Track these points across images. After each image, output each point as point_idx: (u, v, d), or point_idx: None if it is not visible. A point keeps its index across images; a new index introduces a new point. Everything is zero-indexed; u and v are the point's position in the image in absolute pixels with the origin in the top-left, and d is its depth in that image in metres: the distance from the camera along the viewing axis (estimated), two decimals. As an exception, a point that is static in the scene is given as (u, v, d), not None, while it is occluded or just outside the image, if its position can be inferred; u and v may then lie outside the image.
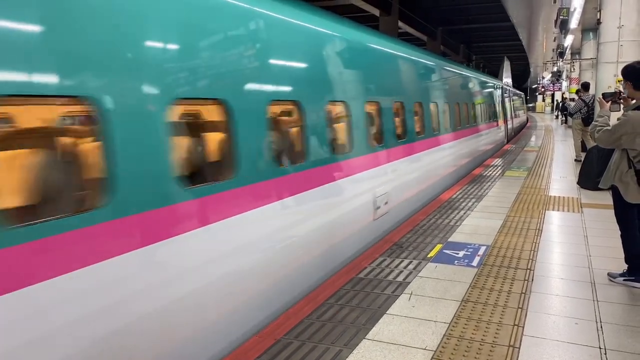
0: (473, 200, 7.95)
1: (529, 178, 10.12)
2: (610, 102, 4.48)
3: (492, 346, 3.24)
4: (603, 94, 4.55)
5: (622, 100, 4.41)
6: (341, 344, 3.29)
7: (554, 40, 26.70)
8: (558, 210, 7.20)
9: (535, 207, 7.38)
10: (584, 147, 12.59)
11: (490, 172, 11.04)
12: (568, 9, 14.88)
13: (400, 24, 22.20)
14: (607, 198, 7.85)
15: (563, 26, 16.00)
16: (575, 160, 12.57)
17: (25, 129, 2.76)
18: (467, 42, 36.78)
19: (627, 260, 4.36)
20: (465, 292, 4.16)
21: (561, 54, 24.10)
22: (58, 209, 2.39)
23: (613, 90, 4.88)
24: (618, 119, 4.19)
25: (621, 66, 11.04)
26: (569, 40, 20.75)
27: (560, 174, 10.67)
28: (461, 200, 7.98)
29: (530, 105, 64.52)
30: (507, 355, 3.12)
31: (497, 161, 13.11)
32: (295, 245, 4.21)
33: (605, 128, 4.24)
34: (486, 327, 3.50)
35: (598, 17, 11.56)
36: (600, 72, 11.72)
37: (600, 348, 3.22)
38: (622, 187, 4.17)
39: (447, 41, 30.76)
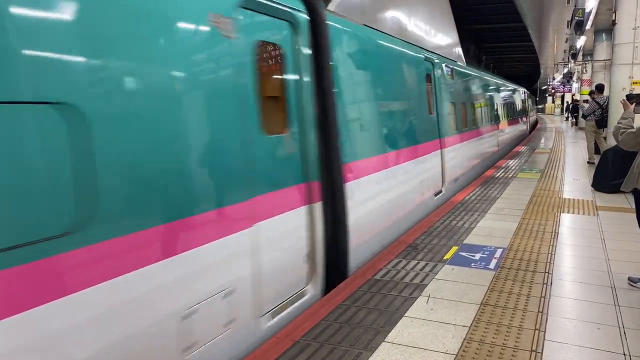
0: (486, 202, 7.88)
1: (542, 180, 10.02)
2: (634, 104, 4.41)
3: (514, 351, 3.19)
4: (627, 96, 4.49)
5: (646, 102, 4.35)
6: (360, 347, 3.25)
7: (566, 42, 26.49)
8: (573, 213, 7.11)
9: (549, 209, 7.29)
10: (596, 150, 12.49)
11: (503, 174, 10.95)
12: (584, 9, 14.74)
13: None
14: (622, 201, 7.79)
15: (578, 27, 15.83)
16: (588, 162, 12.46)
17: None
18: (478, 43, 36.56)
19: (648, 265, 4.28)
20: (483, 295, 4.10)
21: (574, 55, 23.81)
22: None
23: (630, 92, 4.82)
24: (642, 122, 4.12)
25: (636, 68, 10.92)
26: (581, 42, 20.40)
27: (573, 176, 10.56)
28: (475, 202, 7.91)
29: (540, 106, 64.27)
30: (530, 361, 3.07)
31: (510, 162, 13.00)
32: None
33: (630, 130, 4.16)
34: (507, 331, 3.45)
35: (613, 18, 11.44)
36: (615, 74, 11.59)
37: (624, 354, 3.16)
38: (645, 190, 4.10)
39: (457, 41, 30.61)
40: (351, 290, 4.22)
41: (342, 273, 4.53)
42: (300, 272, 4.02)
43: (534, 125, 30.09)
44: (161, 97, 2.66)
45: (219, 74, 3.10)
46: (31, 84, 2.07)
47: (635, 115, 4.38)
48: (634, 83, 10.91)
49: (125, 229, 2.44)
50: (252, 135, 3.37)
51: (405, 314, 3.74)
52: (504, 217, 6.87)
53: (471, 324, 3.56)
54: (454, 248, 5.41)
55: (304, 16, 4.02)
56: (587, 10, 14.73)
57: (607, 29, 17.79)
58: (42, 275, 2.07)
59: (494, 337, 3.36)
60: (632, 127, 4.22)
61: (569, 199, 8.10)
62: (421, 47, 7.43)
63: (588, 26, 16.80)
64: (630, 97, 4.48)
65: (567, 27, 21.92)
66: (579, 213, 7.11)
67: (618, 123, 4.38)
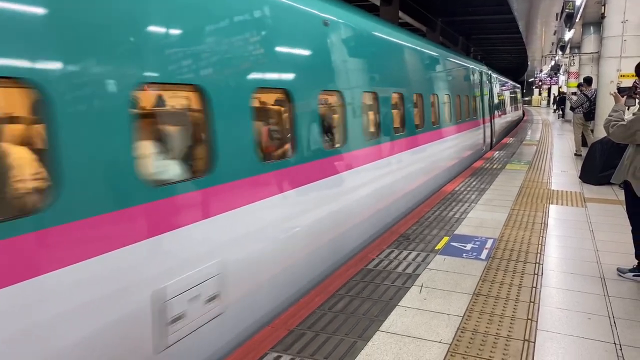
0: (476, 193, 7.94)
1: (530, 172, 10.11)
2: (625, 97, 4.44)
3: (507, 340, 3.22)
4: (618, 88, 4.54)
5: (637, 95, 4.38)
6: (355, 336, 3.26)
7: (554, 34, 26.60)
8: (562, 204, 7.19)
9: (538, 201, 7.37)
10: (584, 142, 12.63)
11: (491, 165, 11.03)
12: (574, 2, 14.80)
13: (400, 13, 22.05)
14: (609, 193, 7.89)
15: (568, 20, 15.87)
16: (575, 154, 12.60)
17: None
18: (467, 33, 36.63)
19: (637, 256, 4.35)
20: (476, 285, 4.14)
21: (562, 48, 23.93)
22: None
23: (617, 85, 4.87)
24: (633, 114, 4.16)
25: (624, 61, 11.01)
26: (570, 34, 20.48)
27: (561, 168, 10.67)
28: (464, 192, 7.96)
29: (527, 98, 64.89)
30: (523, 350, 3.11)
31: (497, 154, 13.10)
32: None
33: (620, 123, 4.20)
34: (500, 321, 3.49)
35: (602, 11, 11.52)
36: (603, 67, 11.69)
37: (615, 344, 3.21)
38: (635, 183, 4.14)
39: (446, 32, 30.62)
40: (345, 279, 4.24)
41: None
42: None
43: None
44: None
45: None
46: None
47: (626, 108, 4.43)
48: (622, 76, 11.01)
49: None
50: None
51: (399, 304, 3.76)
52: (494, 207, 6.93)
53: (464, 314, 3.60)
54: (445, 238, 5.45)
55: None
56: (577, 4, 14.80)
57: (595, 22, 17.90)
58: None
59: (487, 327, 3.40)
60: (623, 120, 4.26)
61: (558, 190, 8.18)
62: None
63: (577, 19, 16.88)
64: (621, 90, 4.52)
65: (556, 19, 22.00)
66: (567, 205, 7.19)
67: (609, 116, 4.42)
